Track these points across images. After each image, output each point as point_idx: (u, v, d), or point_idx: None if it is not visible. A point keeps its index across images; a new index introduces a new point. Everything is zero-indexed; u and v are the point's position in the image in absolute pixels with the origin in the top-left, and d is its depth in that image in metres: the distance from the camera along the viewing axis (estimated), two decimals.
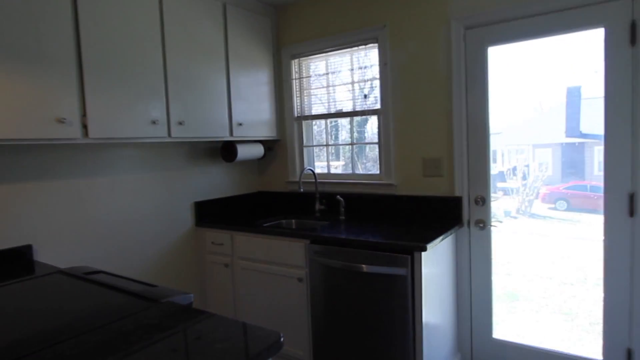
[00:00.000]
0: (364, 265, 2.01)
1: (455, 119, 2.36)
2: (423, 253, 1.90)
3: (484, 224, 2.34)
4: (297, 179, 2.73)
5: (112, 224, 2.29)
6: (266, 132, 2.96)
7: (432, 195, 2.49)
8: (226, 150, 2.86)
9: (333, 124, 3.04)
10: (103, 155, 2.25)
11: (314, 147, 3.09)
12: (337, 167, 3.04)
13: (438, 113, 2.44)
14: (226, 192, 3.01)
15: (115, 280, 1.54)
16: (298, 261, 2.31)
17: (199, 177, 2.81)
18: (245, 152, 2.85)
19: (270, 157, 3.23)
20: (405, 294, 1.93)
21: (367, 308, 2.05)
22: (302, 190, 2.70)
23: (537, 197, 2.57)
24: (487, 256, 2.36)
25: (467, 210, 2.39)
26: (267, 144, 3.22)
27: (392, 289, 1.96)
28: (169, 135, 2.28)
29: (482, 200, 2.34)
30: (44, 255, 1.99)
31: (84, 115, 1.86)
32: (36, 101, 1.70)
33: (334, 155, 3.04)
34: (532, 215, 2.60)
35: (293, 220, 2.91)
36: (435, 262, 2.09)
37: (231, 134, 2.67)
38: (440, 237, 2.05)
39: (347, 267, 2.06)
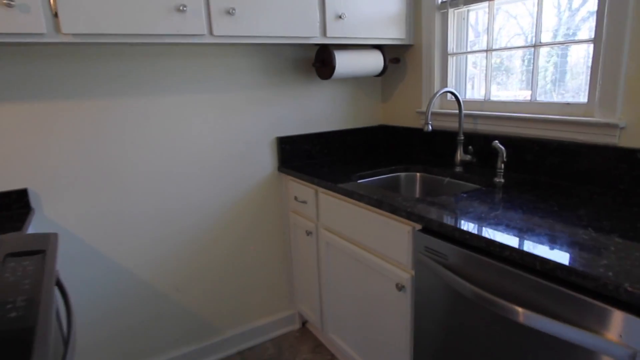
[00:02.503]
0: (532, 315, 0.88)
1: None
2: None
3: None
4: (428, 109, 1.60)
5: (150, 165, 1.69)
6: (389, 31, 1.85)
7: None
8: (321, 61, 1.90)
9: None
10: (121, 66, 1.59)
11: (468, 56, 1.84)
12: (505, 91, 1.75)
13: None
14: (325, 125, 2.10)
15: None
16: (398, 255, 1.31)
17: (283, 103, 1.96)
18: (349, 63, 1.84)
19: (395, 73, 2.13)
20: None
21: None
22: (430, 127, 1.58)
23: None
24: None
25: None
26: (391, 53, 2.11)
27: None
28: (210, 32, 1.45)
29: None
30: (50, 205, 1.51)
31: None
32: None
33: (500, 72, 1.74)
34: None
35: (417, 175, 1.84)
36: None
37: (324, 33, 1.69)
38: None
39: (490, 304, 0.97)
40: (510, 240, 0.93)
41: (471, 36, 1.81)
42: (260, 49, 1.85)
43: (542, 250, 0.86)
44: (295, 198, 1.91)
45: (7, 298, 0.80)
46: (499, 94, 1.71)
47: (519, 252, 0.88)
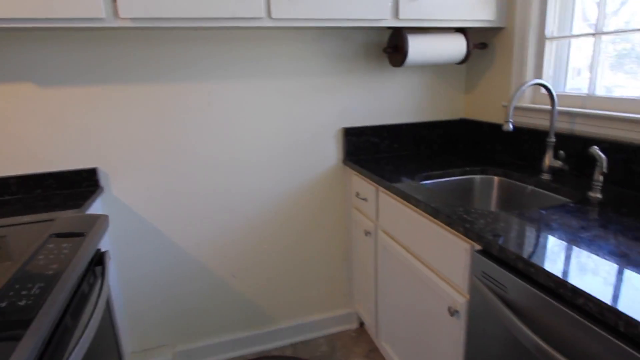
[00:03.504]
0: None
1: None
2: None
3: None
4: (510, 104, 1.34)
5: (211, 150, 1.69)
6: (475, 12, 1.60)
7: None
8: (393, 47, 1.72)
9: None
10: (187, 51, 1.59)
11: (571, 40, 1.51)
12: (617, 85, 1.39)
13: None
14: (396, 117, 1.92)
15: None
16: (453, 275, 1.12)
17: (350, 91, 1.83)
18: (426, 49, 1.64)
19: (481, 60, 1.85)
20: None
21: None
22: (511, 125, 1.32)
23: None
24: None
25: None
26: (477, 37, 1.84)
27: None
28: (269, 14, 1.37)
29: None
30: (117, 184, 1.59)
31: None
32: None
33: (616, 62, 1.39)
34: None
35: (495, 180, 1.59)
36: None
37: (396, 14, 1.51)
38: None
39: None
40: (589, 283, 0.71)
41: (578, 18, 1.47)
42: (327, 33, 1.73)
43: (633, 305, 0.64)
44: (357, 194, 1.79)
45: (27, 284, 0.82)
46: (626, 86, 1.37)
47: (598, 304, 0.66)
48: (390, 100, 1.88)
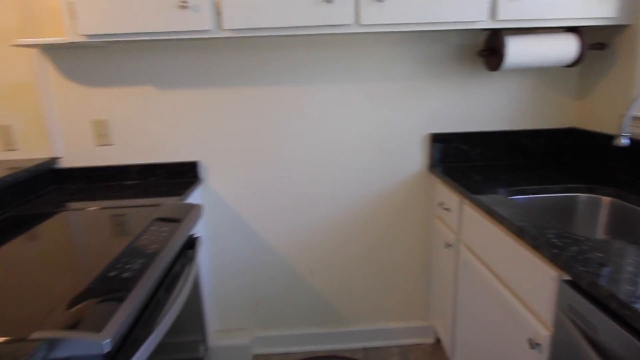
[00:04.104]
0: None
1: None
2: None
3: None
4: (626, 113, 1.17)
5: (297, 151, 1.77)
6: (590, 8, 1.43)
7: None
8: (489, 49, 1.61)
9: None
10: (279, 56, 1.68)
11: None
12: None
13: None
14: (489, 124, 1.80)
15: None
16: (536, 303, 1.02)
17: (440, 96, 1.76)
18: (527, 51, 1.51)
19: (598, 63, 1.64)
20: None
21: None
22: (625, 140, 1.15)
23: None
24: None
25: None
26: (593, 36, 1.63)
27: None
28: (357, 21, 1.39)
29: None
30: (214, 177, 1.76)
31: None
32: None
33: None
34: None
35: (604, 201, 1.40)
36: None
37: (493, 15, 1.42)
38: None
39: None
40: None
41: None
42: (417, 35, 1.69)
43: None
44: (441, 204, 1.72)
45: (131, 259, 0.96)
46: None
47: None
48: (483, 106, 1.77)
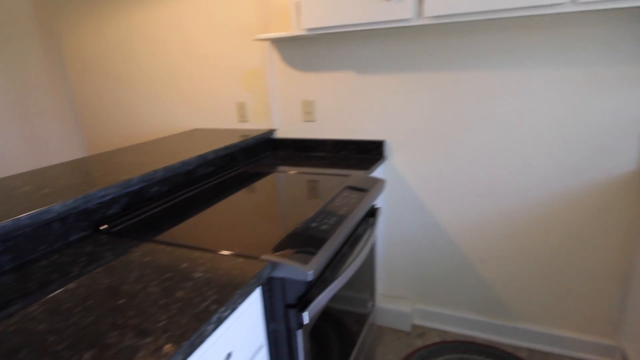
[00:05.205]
0: None
1: None
2: None
3: None
4: None
5: (484, 138, 1.75)
6: None
7: None
8: None
9: None
10: (473, 40, 1.65)
11: None
12: None
13: None
14: None
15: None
16: None
17: None
18: None
19: None
20: None
21: None
22: None
23: None
24: None
25: None
26: None
27: None
28: None
29: None
30: (397, 156, 1.90)
31: None
32: None
33: None
34: None
35: None
36: None
37: None
38: None
39: None
40: None
41: None
42: None
43: None
44: None
45: (327, 216, 1.18)
46: None
47: None
48: None
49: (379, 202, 1.93)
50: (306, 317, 0.98)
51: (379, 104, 1.88)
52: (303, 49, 1.94)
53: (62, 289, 0.86)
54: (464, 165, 1.82)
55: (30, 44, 2.64)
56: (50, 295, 0.84)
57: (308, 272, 0.93)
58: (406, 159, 1.90)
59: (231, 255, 0.99)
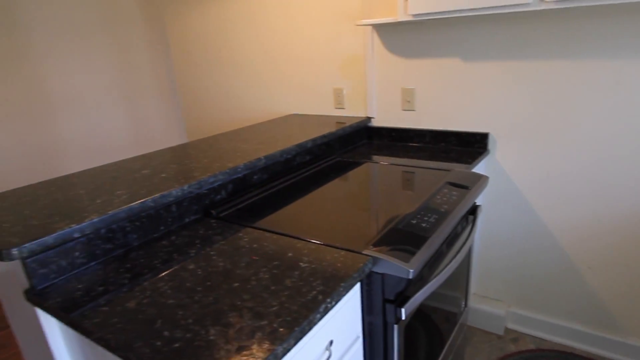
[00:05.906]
0: None
1: None
2: None
3: None
4: None
5: (601, 134, 1.55)
6: None
7: None
8: None
9: None
10: (598, 26, 1.44)
11: None
12: None
13: None
14: None
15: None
16: None
17: None
18: None
19: None
20: None
21: None
22: None
23: None
24: None
25: None
26: None
27: None
28: None
29: None
30: (501, 150, 1.77)
31: None
32: None
33: None
34: None
35: None
36: None
37: None
38: None
39: None
40: None
41: None
42: None
43: None
44: None
45: (428, 213, 1.16)
46: None
47: None
48: None
49: (479, 200, 1.84)
50: (404, 313, 0.99)
51: (484, 94, 1.76)
52: (405, 35, 1.88)
53: (183, 268, 0.97)
54: (576, 162, 1.64)
55: (137, 28, 2.89)
56: (174, 272, 0.95)
57: (410, 270, 0.93)
58: (511, 154, 1.77)
59: (333, 247, 1.02)
